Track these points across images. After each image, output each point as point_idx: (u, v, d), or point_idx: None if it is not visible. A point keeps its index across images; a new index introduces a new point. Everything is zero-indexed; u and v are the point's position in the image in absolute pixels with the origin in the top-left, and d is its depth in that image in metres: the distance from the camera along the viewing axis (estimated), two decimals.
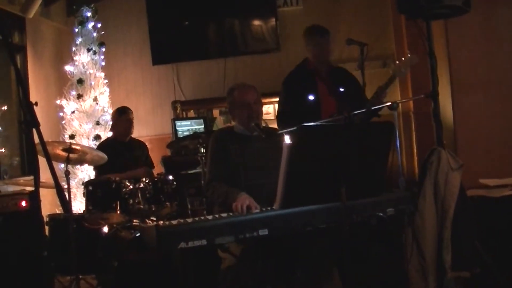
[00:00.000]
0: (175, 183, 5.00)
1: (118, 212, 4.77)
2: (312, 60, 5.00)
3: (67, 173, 4.73)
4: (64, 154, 4.77)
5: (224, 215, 3.14)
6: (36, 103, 2.65)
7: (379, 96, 4.61)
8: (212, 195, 3.69)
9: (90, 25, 7.28)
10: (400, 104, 4.75)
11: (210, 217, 3.09)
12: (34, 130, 2.59)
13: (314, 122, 4.11)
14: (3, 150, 6.08)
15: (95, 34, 7.31)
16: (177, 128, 7.10)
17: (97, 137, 6.94)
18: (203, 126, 7.15)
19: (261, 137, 3.73)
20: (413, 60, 4.51)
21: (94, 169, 5.74)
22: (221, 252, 3.44)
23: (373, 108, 4.33)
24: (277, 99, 5.23)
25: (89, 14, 7.29)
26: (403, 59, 4.50)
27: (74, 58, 7.20)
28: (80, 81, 7.09)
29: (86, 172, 6.84)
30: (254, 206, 3.29)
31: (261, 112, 3.83)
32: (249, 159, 3.71)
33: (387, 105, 4.10)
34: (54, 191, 2.70)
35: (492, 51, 6.51)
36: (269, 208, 3.25)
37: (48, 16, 7.44)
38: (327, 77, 4.99)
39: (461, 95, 6.60)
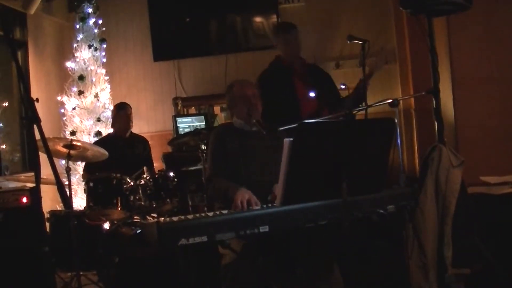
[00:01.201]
0: (176, 179, 5.00)
1: (119, 208, 4.77)
2: (284, 57, 4.97)
3: (68, 170, 4.73)
4: (65, 150, 4.77)
5: (224, 211, 3.14)
6: (37, 99, 2.66)
7: (359, 92, 4.63)
8: (212, 191, 3.71)
9: (91, 21, 7.27)
10: (401, 101, 4.76)
11: (210, 213, 3.09)
12: (35, 126, 2.59)
13: (294, 120, 4.11)
14: (4, 146, 6.09)
15: (96, 30, 7.31)
16: (178, 125, 7.10)
17: (98, 133, 6.94)
18: (204, 123, 7.14)
19: (261, 133, 3.72)
20: (383, 58, 4.50)
21: (84, 168, 5.75)
22: (222, 248, 3.44)
23: (374, 105, 4.35)
24: None
25: (90, 10, 7.28)
26: (379, 55, 4.50)
27: (75, 55, 7.19)
28: (81, 78, 7.09)
29: None
30: (254, 201, 3.30)
31: (259, 108, 3.82)
32: (249, 155, 3.72)
33: (388, 102, 4.11)
34: (55, 187, 2.72)
35: (493, 48, 6.51)
36: (269, 205, 3.25)
37: (49, 12, 7.43)
38: (303, 74, 4.96)
39: (462, 92, 6.61)
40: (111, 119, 6.09)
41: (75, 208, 5.87)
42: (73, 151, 4.81)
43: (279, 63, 5.01)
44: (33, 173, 2.74)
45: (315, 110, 4.72)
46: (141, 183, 4.83)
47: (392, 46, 7.26)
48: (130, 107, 5.85)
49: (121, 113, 5.78)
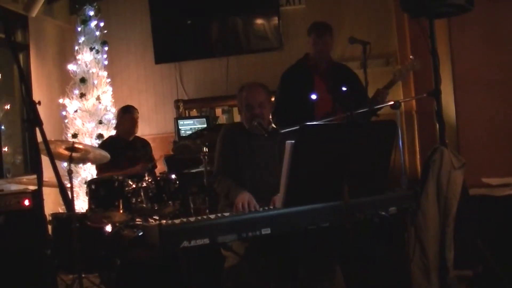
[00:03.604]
0: (177, 182, 5.00)
1: (121, 211, 4.77)
2: (312, 56, 4.99)
3: (70, 172, 4.73)
4: (67, 153, 4.77)
5: (226, 214, 3.14)
6: (39, 102, 2.65)
7: (378, 98, 4.62)
8: (217, 188, 3.78)
9: (93, 23, 7.28)
10: (402, 103, 4.76)
11: (212, 216, 3.10)
12: (37, 129, 2.59)
13: (308, 120, 4.13)
14: (6, 148, 6.09)
15: (97, 33, 7.31)
16: (180, 127, 7.10)
17: (100, 136, 6.94)
18: (205, 125, 7.15)
19: (262, 135, 3.74)
20: (416, 65, 4.51)
21: (96, 167, 5.75)
22: (224, 250, 3.45)
23: (375, 107, 4.35)
24: None
25: (91, 12, 7.29)
26: (406, 63, 4.50)
27: (77, 57, 7.20)
28: (83, 80, 7.09)
29: (89, 171, 6.85)
30: (253, 205, 3.31)
31: (266, 113, 3.82)
32: (255, 157, 3.75)
33: (389, 104, 4.11)
34: (57, 190, 2.71)
35: (494, 50, 6.51)
36: (271, 207, 3.25)
37: (51, 14, 7.44)
38: (326, 74, 4.96)
39: (464, 93, 6.61)
40: (116, 121, 6.09)
41: (77, 211, 5.86)
42: (75, 154, 4.82)
43: (304, 61, 5.02)
44: (35, 176, 2.73)
45: (329, 112, 4.71)
46: (143, 185, 4.83)
47: (393, 48, 7.27)
48: (137, 111, 5.85)
49: (127, 116, 5.77)
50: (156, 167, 6.01)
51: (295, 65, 5.08)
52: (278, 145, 3.70)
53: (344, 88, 4.98)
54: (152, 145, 6.09)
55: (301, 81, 4.88)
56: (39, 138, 2.65)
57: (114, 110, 7.19)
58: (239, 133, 3.84)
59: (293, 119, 3.99)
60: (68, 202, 3.42)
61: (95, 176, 6.03)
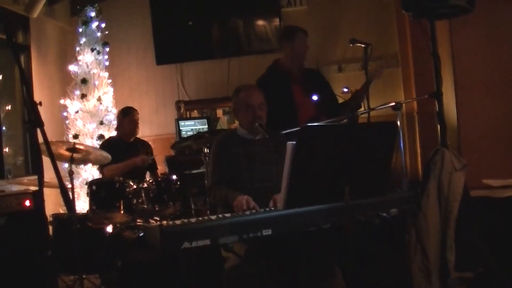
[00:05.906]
0: (178, 183, 5.00)
1: (122, 212, 4.77)
2: (285, 62, 4.93)
3: (71, 173, 4.73)
4: (68, 153, 4.77)
5: (227, 215, 3.14)
6: (40, 103, 2.66)
7: (357, 99, 4.63)
8: (214, 199, 3.75)
9: (94, 25, 7.28)
10: (403, 105, 4.77)
11: (213, 217, 3.09)
12: (38, 130, 2.60)
13: (292, 126, 4.11)
14: (7, 149, 6.09)
15: (99, 34, 7.31)
16: (181, 128, 7.10)
17: (101, 136, 6.94)
18: (206, 126, 7.16)
19: (264, 141, 3.73)
20: (385, 64, 4.50)
21: (98, 169, 5.75)
22: (225, 252, 3.44)
23: (377, 108, 4.35)
24: None
25: (93, 14, 7.29)
26: (377, 62, 4.51)
27: (78, 58, 7.20)
28: (84, 81, 7.09)
29: (89, 172, 6.85)
30: (252, 205, 3.32)
31: (264, 117, 3.81)
32: (252, 162, 3.73)
33: (391, 106, 4.12)
34: (58, 190, 2.71)
35: (495, 51, 6.51)
36: (272, 208, 3.25)
37: (52, 16, 7.44)
38: (301, 79, 4.92)
39: (465, 95, 6.61)
40: (116, 123, 6.08)
41: (78, 212, 5.86)
42: (76, 155, 4.82)
43: (277, 68, 4.97)
44: (36, 177, 2.74)
45: (313, 116, 4.70)
46: (144, 186, 4.83)
47: (394, 49, 7.26)
48: (137, 112, 5.84)
49: (128, 118, 5.76)
50: (157, 168, 6.01)
51: (268, 73, 4.99)
52: (274, 149, 3.69)
53: (345, 89, 4.99)
54: (152, 146, 6.08)
55: (278, 88, 4.79)
56: (40, 139, 2.66)
57: (115, 111, 7.18)
58: (233, 142, 3.81)
59: (276, 127, 3.97)
60: (69, 203, 3.43)
61: (96, 177, 6.03)
